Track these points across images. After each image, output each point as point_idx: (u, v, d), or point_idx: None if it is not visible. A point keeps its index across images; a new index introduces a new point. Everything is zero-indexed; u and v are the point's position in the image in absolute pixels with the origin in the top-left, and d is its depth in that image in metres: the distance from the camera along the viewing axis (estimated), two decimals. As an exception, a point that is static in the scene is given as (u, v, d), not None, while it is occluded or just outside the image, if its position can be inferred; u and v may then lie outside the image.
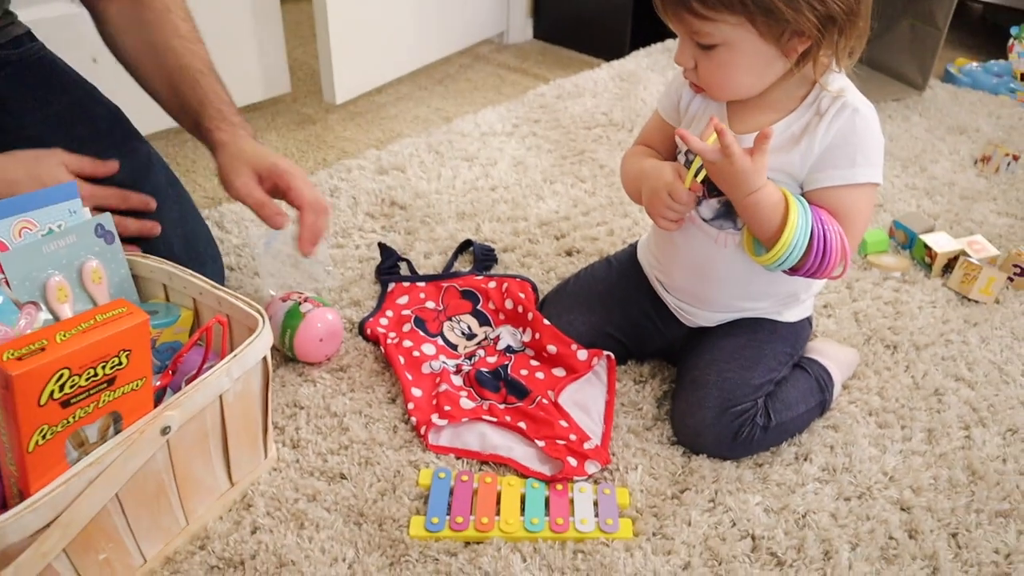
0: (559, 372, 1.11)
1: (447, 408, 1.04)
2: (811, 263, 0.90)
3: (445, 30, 2.26)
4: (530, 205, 1.55)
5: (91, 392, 0.72)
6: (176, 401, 0.78)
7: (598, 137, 1.82)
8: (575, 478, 0.97)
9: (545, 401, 1.05)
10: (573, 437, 1.01)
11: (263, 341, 0.87)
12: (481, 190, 1.59)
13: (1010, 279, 1.36)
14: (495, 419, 1.04)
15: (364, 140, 1.83)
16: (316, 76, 2.01)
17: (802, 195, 0.93)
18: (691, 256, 1.05)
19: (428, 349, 1.16)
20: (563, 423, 1.03)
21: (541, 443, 1.00)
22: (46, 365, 0.67)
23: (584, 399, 1.08)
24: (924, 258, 1.41)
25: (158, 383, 0.86)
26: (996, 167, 1.75)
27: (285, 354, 1.14)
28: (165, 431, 0.77)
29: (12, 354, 0.66)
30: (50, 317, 0.89)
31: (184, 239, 1.13)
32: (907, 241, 1.45)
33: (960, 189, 1.67)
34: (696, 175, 0.92)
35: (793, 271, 0.92)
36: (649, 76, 2.15)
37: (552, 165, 1.70)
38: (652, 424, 1.07)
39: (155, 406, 0.78)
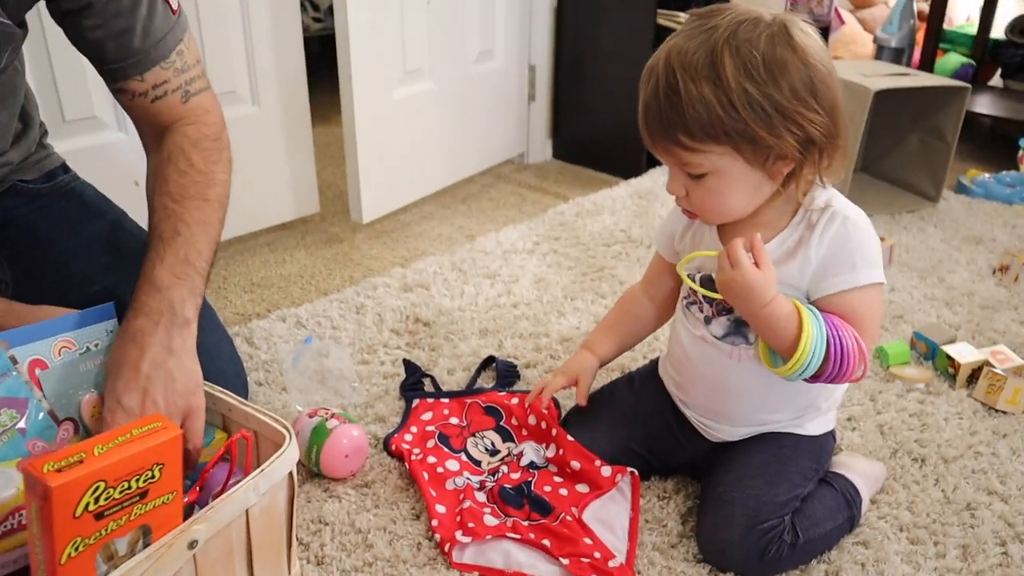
0: (583, 488, 1.10)
1: (471, 525, 1.04)
2: (831, 370, 0.91)
3: (468, 152, 2.35)
4: (551, 322, 1.57)
5: (124, 505, 0.73)
6: (204, 515, 0.79)
7: (617, 254, 1.86)
8: None
9: (569, 518, 1.05)
10: (598, 555, 1.00)
11: (290, 456, 0.88)
12: (503, 307, 1.62)
13: (1036, 389, 1.36)
14: (519, 536, 1.03)
15: (390, 258, 1.88)
16: (344, 196, 2.08)
17: (812, 302, 0.95)
18: (707, 373, 1.06)
19: (452, 465, 1.17)
20: (588, 540, 1.02)
21: (566, 561, 0.99)
22: (84, 477, 0.69)
23: (608, 516, 1.07)
24: (948, 369, 1.41)
25: (186, 499, 0.87)
26: (1015, 276, 1.76)
27: (311, 469, 1.15)
28: (192, 545, 0.77)
29: (52, 466, 0.68)
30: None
31: (207, 356, 1.15)
32: (929, 352, 1.45)
33: (980, 299, 1.68)
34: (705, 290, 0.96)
35: (814, 379, 0.93)
36: (666, 193, 2.20)
37: (572, 282, 1.74)
38: (677, 541, 1.05)
39: (183, 520, 0.79)
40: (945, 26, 2.85)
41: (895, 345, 1.45)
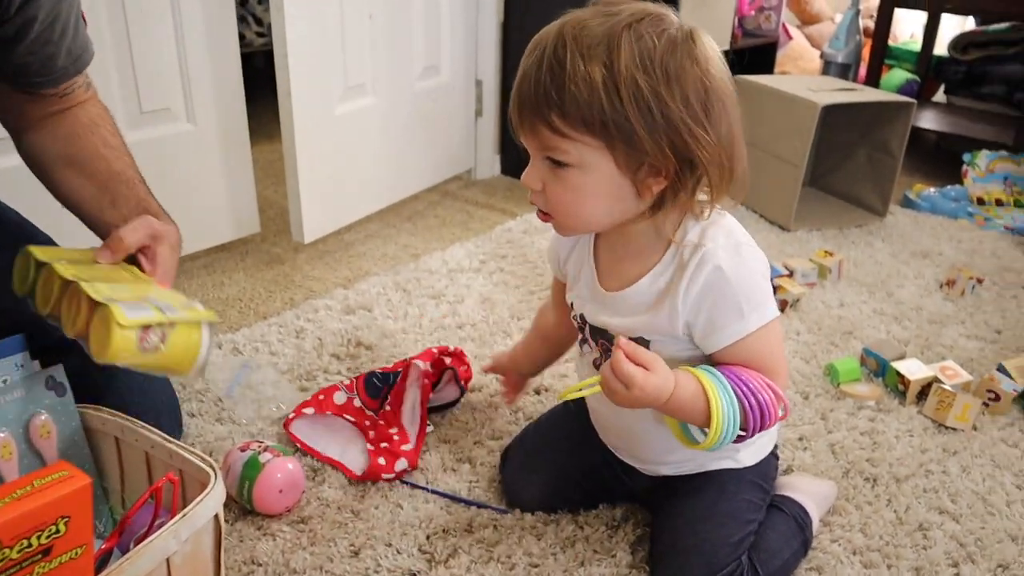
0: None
1: (321, 398, 1.25)
2: (752, 426, 0.85)
3: (414, 168, 2.30)
4: (497, 343, 1.53)
5: (23, 565, 0.67)
6: (119, 568, 0.73)
7: (567, 271, 1.83)
8: (383, 476, 1.14)
9: (388, 408, 1.25)
10: (396, 439, 1.18)
11: (214, 498, 0.82)
12: (448, 328, 1.58)
13: (985, 404, 1.35)
14: (353, 420, 1.23)
15: (332, 279, 1.83)
16: (286, 215, 2.02)
17: (709, 356, 0.89)
18: (614, 423, 1.03)
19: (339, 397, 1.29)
20: (394, 430, 1.20)
21: (370, 447, 1.19)
22: (-28, 538, 0.63)
23: (416, 403, 1.25)
24: (897, 385, 1.40)
25: (104, 545, 0.82)
26: (961, 290, 1.77)
27: (243, 506, 1.09)
28: (104, 603, 0.72)
29: (-63, 527, 0.62)
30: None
31: (139, 391, 1.10)
32: (879, 369, 1.44)
33: (928, 313, 1.69)
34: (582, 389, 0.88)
35: (740, 439, 0.87)
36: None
37: (519, 301, 1.70)
38: (627, 572, 1.02)
39: (97, 573, 0.73)
40: (890, 42, 2.89)
41: (845, 362, 1.44)
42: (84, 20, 1.05)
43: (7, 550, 0.65)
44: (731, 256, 0.85)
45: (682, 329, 0.88)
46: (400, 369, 1.30)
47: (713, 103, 0.80)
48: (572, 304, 1.00)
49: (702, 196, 0.85)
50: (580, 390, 0.87)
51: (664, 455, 1.02)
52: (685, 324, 0.87)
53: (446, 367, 1.30)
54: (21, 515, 0.65)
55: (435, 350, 1.32)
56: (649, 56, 0.77)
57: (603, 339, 0.96)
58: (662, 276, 0.88)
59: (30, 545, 0.66)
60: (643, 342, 0.90)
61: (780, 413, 0.87)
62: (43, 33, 0.98)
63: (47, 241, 1.12)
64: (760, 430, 0.86)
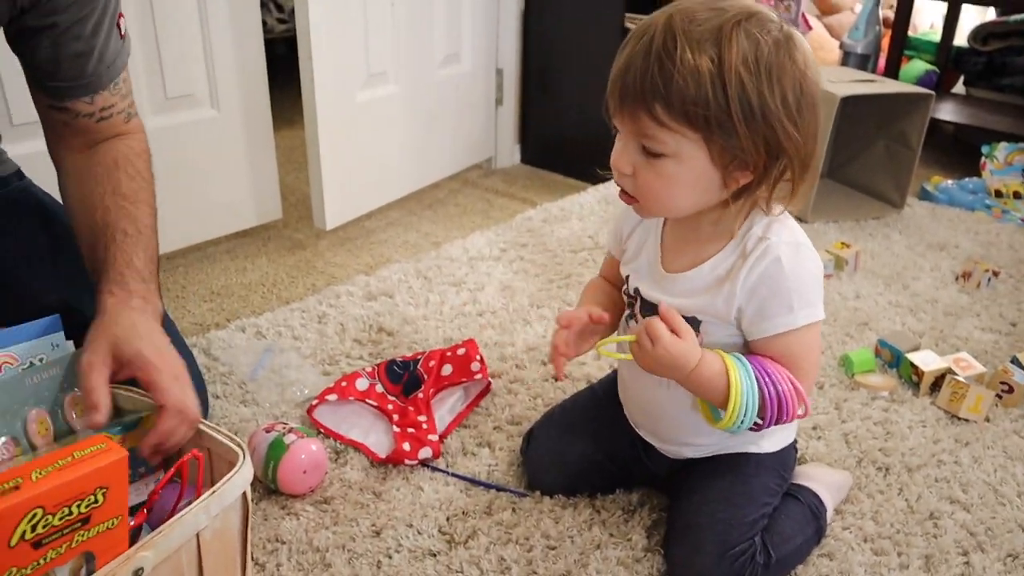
0: (447, 370, 1.31)
1: (344, 384, 1.28)
2: (769, 416, 0.88)
3: (434, 157, 2.32)
4: (517, 330, 1.56)
5: (64, 532, 0.70)
6: (151, 540, 0.76)
7: (584, 260, 1.85)
8: (406, 461, 1.17)
9: (420, 395, 1.26)
10: (425, 427, 1.20)
11: (243, 476, 0.85)
12: (469, 315, 1.60)
13: (998, 396, 1.36)
14: (376, 404, 1.26)
15: (353, 266, 1.85)
16: (308, 201, 2.05)
17: (747, 343, 0.92)
18: (641, 395, 1.05)
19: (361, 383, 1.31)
20: (422, 417, 1.22)
21: (396, 429, 1.21)
22: (19, 504, 0.65)
23: (452, 401, 1.31)
24: (911, 376, 1.41)
25: (132, 522, 0.84)
26: (977, 283, 1.78)
27: (268, 486, 1.12)
28: (138, 573, 0.74)
29: (-15, 494, 0.65)
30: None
31: None
32: (893, 360, 1.46)
33: (943, 306, 1.69)
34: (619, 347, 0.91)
35: (757, 428, 0.90)
36: (634, 199, 2.20)
37: (539, 289, 1.72)
38: (643, 555, 1.04)
39: (130, 545, 0.76)
40: (910, 33, 2.88)
41: (860, 353, 1.45)
42: (121, 29, 1.04)
43: (50, 516, 0.68)
44: (791, 252, 0.88)
45: (734, 314, 0.91)
46: (420, 356, 1.34)
47: (806, 102, 0.83)
48: (627, 278, 1.02)
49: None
50: (616, 345, 0.93)
51: (686, 435, 1.04)
52: (738, 309, 0.90)
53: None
54: (64, 484, 0.68)
55: (448, 352, 1.35)
56: (755, 54, 0.80)
57: (652, 315, 0.98)
58: (723, 263, 0.91)
59: (71, 513, 0.69)
60: (694, 323, 0.92)
61: (800, 412, 0.90)
62: (73, 27, 0.98)
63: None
64: (777, 422, 0.88)
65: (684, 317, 0.89)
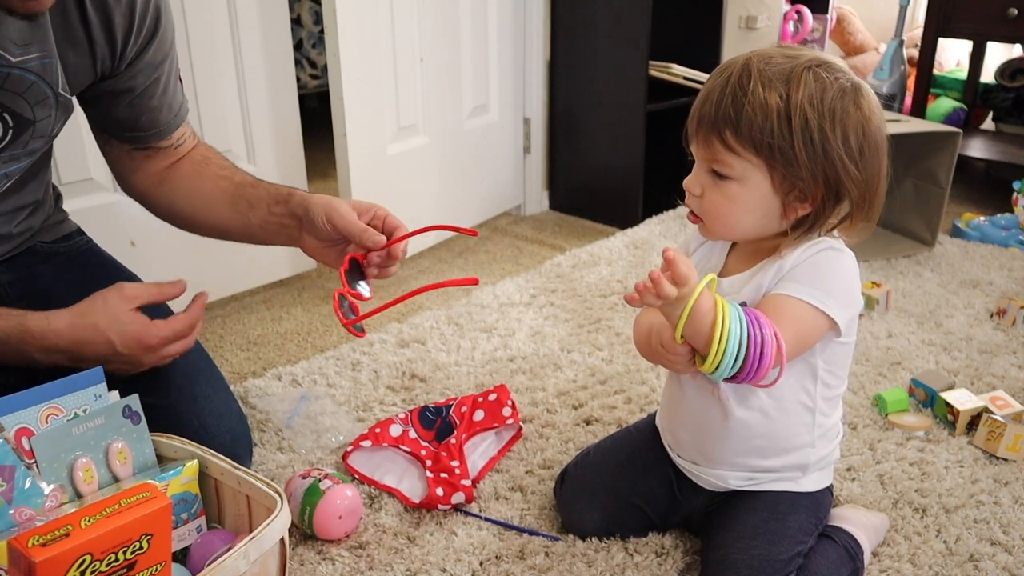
0: (479, 415, 1.33)
1: (377, 431, 1.30)
2: (750, 364, 0.85)
3: (464, 205, 2.37)
4: (548, 375, 1.57)
5: (110, 578, 0.72)
6: (193, 586, 0.78)
7: (614, 305, 1.86)
8: (439, 506, 1.18)
9: (454, 441, 1.27)
10: (457, 472, 1.21)
11: (281, 521, 0.87)
12: (500, 361, 1.62)
13: (1037, 435, 1.35)
14: (409, 449, 1.29)
15: (386, 314, 1.88)
16: (341, 252, 2.09)
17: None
18: (692, 410, 1.05)
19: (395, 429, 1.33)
20: (455, 463, 1.23)
21: (429, 475, 1.22)
22: (70, 551, 0.68)
23: (484, 447, 1.33)
24: (947, 416, 1.40)
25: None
26: (1013, 320, 1.76)
27: (304, 531, 1.14)
28: (181, 617, 0.76)
29: (37, 540, 0.68)
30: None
31: (215, 415, 1.16)
32: (927, 399, 1.45)
33: (978, 344, 1.68)
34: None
35: (734, 379, 0.88)
36: (662, 243, 2.22)
37: (569, 334, 1.74)
38: (677, 598, 1.04)
39: (173, 591, 0.79)
40: (935, 71, 2.89)
41: (894, 392, 1.44)
42: (181, 80, 1.19)
43: (97, 563, 0.70)
44: (836, 253, 0.95)
45: (772, 279, 0.95)
46: (453, 402, 1.37)
47: (868, 146, 0.92)
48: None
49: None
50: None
51: (733, 455, 1.04)
52: (778, 269, 0.94)
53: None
54: (111, 531, 0.70)
55: (480, 398, 1.39)
56: (821, 96, 0.89)
57: None
58: (771, 264, 0.96)
59: (117, 560, 0.72)
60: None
61: (774, 373, 0.87)
62: (148, 88, 1.11)
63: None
64: (756, 369, 0.85)
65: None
